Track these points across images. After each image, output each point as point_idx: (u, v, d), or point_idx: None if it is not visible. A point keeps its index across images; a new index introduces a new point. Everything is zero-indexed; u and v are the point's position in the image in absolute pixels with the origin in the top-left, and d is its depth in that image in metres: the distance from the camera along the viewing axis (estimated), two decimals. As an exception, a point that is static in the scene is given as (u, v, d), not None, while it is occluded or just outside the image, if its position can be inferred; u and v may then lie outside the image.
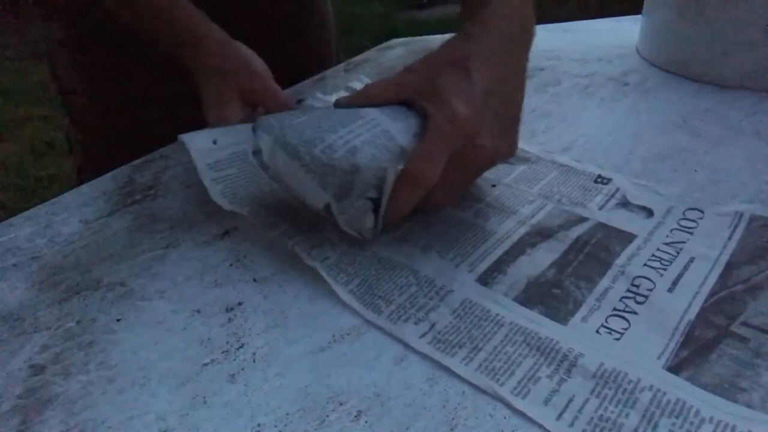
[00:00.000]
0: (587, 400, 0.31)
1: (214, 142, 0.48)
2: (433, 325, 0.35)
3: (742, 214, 0.43)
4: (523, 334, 0.34)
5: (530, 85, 0.67)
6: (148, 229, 0.46)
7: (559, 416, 0.30)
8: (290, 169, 0.39)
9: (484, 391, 0.32)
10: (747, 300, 0.36)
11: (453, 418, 0.30)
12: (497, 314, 0.36)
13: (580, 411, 0.30)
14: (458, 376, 0.33)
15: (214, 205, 0.48)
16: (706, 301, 0.36)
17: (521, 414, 0.30)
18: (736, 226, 0.42)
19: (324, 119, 0.41)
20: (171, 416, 0.31)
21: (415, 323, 0.36)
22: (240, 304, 0.38)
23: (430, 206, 0.42)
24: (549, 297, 0.37)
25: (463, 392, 0.32)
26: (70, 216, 0.48)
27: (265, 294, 0.39)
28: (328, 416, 0.31)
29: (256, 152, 0.41)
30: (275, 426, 0.31)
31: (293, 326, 0.37)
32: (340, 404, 0.32)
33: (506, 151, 0.42)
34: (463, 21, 0.45)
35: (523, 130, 0.53)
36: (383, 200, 0.39)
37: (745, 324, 0.34)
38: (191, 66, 0.53)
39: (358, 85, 0.61)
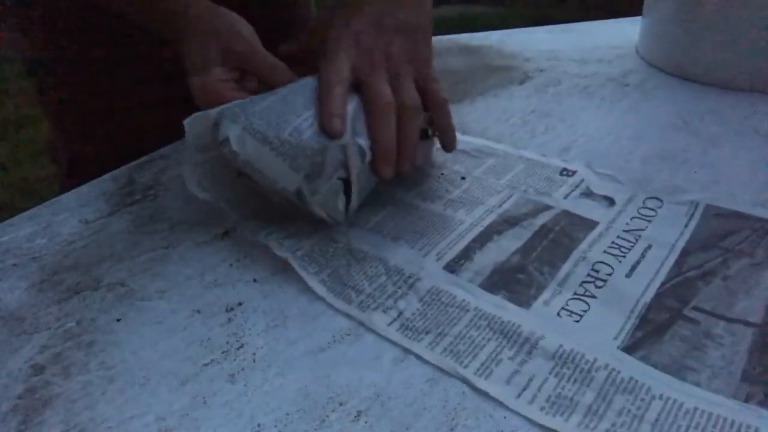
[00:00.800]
0: (546, 379, 0.32)
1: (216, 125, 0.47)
2: (401, 313, 0.37)
3: (698, 204, 0.44)
4: (487, 319, 0.36)
5: (530, 86, 0.67)
6: (148, 229, 0.46)
7: (519, 395, 0.31)
8: (261, 154, 0.40)
9: (482, 392, 0.32)
10: (699, 285, 0.37)
11: (453, 418, 0.30)
12: (463, 300, 0.37)
13: (539, 389, 0.31)
14: (459, 376, 0.33)
15: (213, 205, 0.48)
16: (661, 285, 0.37)
17: (522, 414, 0.31)
18: (692, 216, 0.43)
19: (285, 104, 0.42)
20: (171, 416, 0.31)
21: (384, 311, 0.37)
22: (240, 304, 0.38)
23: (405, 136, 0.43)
24: (513, 282, 0.38)
25: (463, 392, 0.32)
26: (70, 216, 0.48)
27: (265, 294, 0.39)
28: (328, 416, 0.31)
29: (224, 142, 0.41)
30: (275, 426, 0.31)
31: (293, 326, 0.37)
32: (340, 404, 0.32)
33: (408, 61, 0.45)
34: None
35: (523, 130, 0.53)
36: (352, 178, 0.40)
37: (696, 308, 0.36)
38: (178, 36, 0.50)
39: None
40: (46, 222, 0.48)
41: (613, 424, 0.29)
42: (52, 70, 0.65)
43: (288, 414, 0.31)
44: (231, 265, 0.42)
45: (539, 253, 0.41)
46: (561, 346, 0.34)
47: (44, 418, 0.32)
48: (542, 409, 0.30)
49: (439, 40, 0.83)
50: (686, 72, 0.66)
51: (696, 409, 0.30)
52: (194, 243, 0.44)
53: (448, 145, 0.48)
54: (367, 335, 0.36)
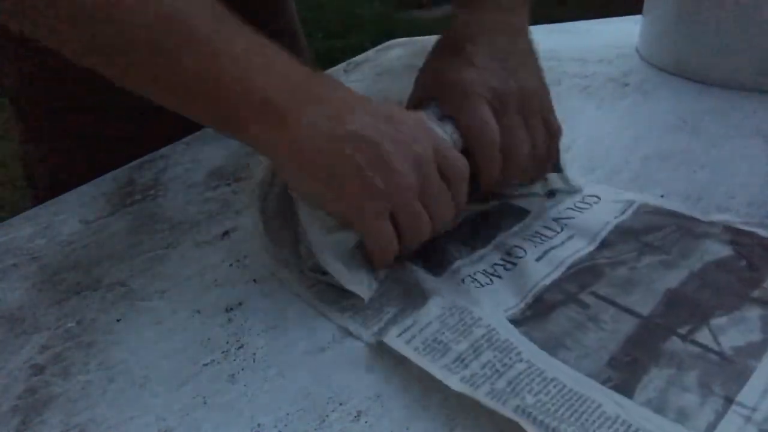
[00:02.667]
0: (429, 323, 0.34)
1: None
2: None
3: (633, 202, 0.45)
4: (400, 284, 0.39)
5: (530, 86, 0.67)
6: (148, 229, 0.46)
7: (400, 334, 0.34)
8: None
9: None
10: (605, 273, 0.38)
11: (453, 419, 0.30)
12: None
13: (420, 332, 0.34)
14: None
15: (214, 205, 0.48)
16: (567, 270, 0.39)
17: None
18: (624, 212, 0.44)
19: None
20: (171, 416, 0.31)
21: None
22: (240, 304, 0.38)
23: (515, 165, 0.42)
24: (431, 259, 0.40)
25: (464, 392, 0.32)
26: (70, 216, 0.48)
27: (265, 294, 0.39)
28: (328, 416, 0.31)
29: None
30: (275, 426, 0.31)
31: (293, 326, 0.37)
32: (340, 404, 0.32)
33: (534, 86, 0.43)
34: (455, 10, 0.48)
35: (523, 130, 0.53)
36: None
37: (592, 293, 0.37)
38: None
39: (357, 86, 0.61)
40: (46, 222, 0.48)
41: (474, 374, 0.31)
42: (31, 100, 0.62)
43: (288, 414, 0.31)
44: (231, 265, 0.42)
45: (462, 234, 0.42)
46: (455, 301, 0.36)
47: (44, 418, 0.32)
48: (416, 349, 0.33)
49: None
50: (686, 72, 0.66)
51: (554, 379, 0.31)
52: (194, 243, 0.44)
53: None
54: (367, 335, 0.36)
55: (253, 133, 0.36)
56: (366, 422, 0.31)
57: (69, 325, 0.38)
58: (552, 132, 0.44)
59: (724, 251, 0.39)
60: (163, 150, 0.57)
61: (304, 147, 0.35)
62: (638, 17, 0.75)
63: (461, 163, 0.38)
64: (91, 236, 0.46)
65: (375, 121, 0.36)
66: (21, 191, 2.09)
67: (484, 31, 0.44)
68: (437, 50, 0.46)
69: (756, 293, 0.35)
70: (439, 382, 0.31)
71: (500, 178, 0.42)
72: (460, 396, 0.32)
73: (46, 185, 0.64)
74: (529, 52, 0.45)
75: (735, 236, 0.40)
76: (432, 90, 0.42)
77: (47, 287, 0.41)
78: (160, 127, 0.55)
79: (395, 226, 0.37)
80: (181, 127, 0.55)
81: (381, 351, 0.35)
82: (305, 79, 0.37)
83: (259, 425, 0.31)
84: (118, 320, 0.38)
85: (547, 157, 0.45)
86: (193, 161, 0.54)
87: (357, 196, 0.36)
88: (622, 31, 0.80)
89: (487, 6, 0.46)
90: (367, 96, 0.38)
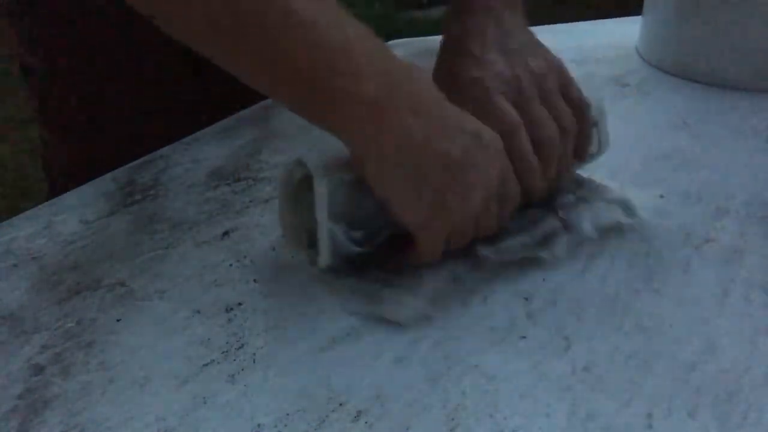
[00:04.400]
0: None
1: None
2: None
3: None
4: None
5: (530, 86, 0.67)
6: (148, 229, 0.46)
7: None
8: None
9: (482, 392, 0.32)
10: None
11: (453, 418, 0.30)
12: None
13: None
14: (458, 377, 0.33)
15: (214, 205, 0.48)
16: None
17: (521, 415, 0.31)
18: None
19: None
20: (171, 416, 0.31)
21: None
22: (240, 304, 0.38)
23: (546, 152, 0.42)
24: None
25: (463, 392, 0.32)
26: (70, 216, 0.48)
27: (265, 294, 0.39)
28: (328, 416, 0.31)
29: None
30: (275, 426, 0.31)
31: (293, 326, 0.37)
32: (340, 404, 0.32)
33: (543, 65, 0.44)
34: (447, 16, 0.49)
35: (523, 130, 0.52)
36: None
37: None
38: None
39: None
40: (46, 222, 0.48)
41: None
42: (55, 74, 0.64)
43: (288, 414, 0.31)
44: (231, 265, 0.42)
45: None
46: None
47: (44, 418, 0.32)
48: None
49: (439, 40, 0.82)
50: (686, 72, 0.66)
51: None
52: (194, 243, 0.44)
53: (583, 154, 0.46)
54: (367, 336, 0.36)
55: (348, 128, 0.36)
56: (366, 422, 0.31)
57: (69, 325, 0.37)
58: (575, 105, 0.44)
59: None
60: (163, 150, 0.57)
61: (397, 152, 0.36)
62: (638, 17, 0.75)
63: (514, 192, 0.40)
64: (91, 236, 0.46)
65: (463, 141, 0.37)
66: (21, 192, 2.09)
67: (484, 29, 0.45)
68: (444, 55, 0.47)
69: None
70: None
71: (541, 173, 0.41)
72: (460, 396, 0.32)
73: (64, 174, 0.65)
74: (530, 37, 0.46)
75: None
76: (449, 94, 0.41)
77: (47, 287, 0.41)
78: (182, 126, 0.58)
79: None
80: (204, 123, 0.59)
81: (381, 351, 0.35)
82: (406, 80, 0.37)
83: (259, 425, 0.31)
84: (118, 320, 0.38)
85: (578, 132, 0.44)
86: (193, 161, 0.54)
87: (430, 213, 0.37)
88: (622, 31, 0.80)
89: (486, 9, 0.46)
90: (451, 102, 0.38)
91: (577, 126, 0.43)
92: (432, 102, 0.38)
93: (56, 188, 0.61)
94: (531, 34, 0.46)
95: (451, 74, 0.44)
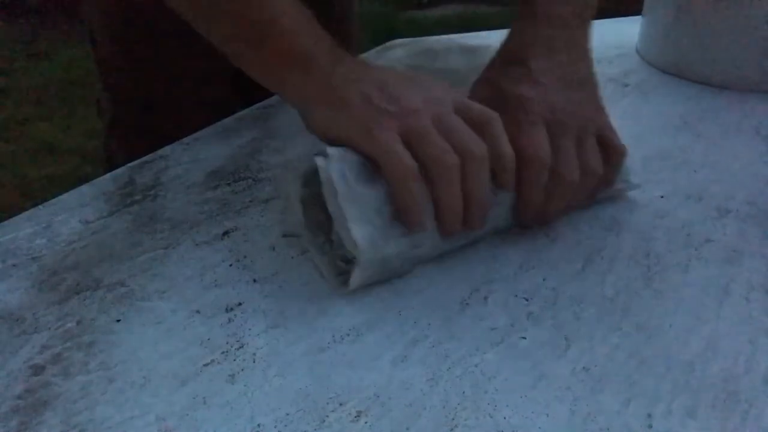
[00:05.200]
0: None
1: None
2: None
3: None
4: None
5: (530, 86, 0.67)
6: (148, 229, 0.46)
7: None
8: None
9: (482, 392, 0.32)
10: None
11: (453, 418, 0.30)
12: None
13: None
14: (458, 377, 0.33)
15: (214, 205, 0.48)
16: None
17: (521, 415, 0.31)
18: None
19: None
20: (171, 416, 0.31)
21: None
22: (240, 304, 0.38)
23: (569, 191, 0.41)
24: None
25: (463, 392, 0.32)
26: (70, 216, 0.48)
27: (265, 294, 0.39)
28: (328, 416, 0.31)
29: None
30: (275, 426, 0.31)
31: (293, 326, 0.37)
32: (340, 404, 0.32)
33: (592, 110, 0.43)
34: (515, 23, 0.47)
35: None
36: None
37: None
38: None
39: None
40: (46, 222, 0.48)
41: None
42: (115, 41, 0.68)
43: (288, 414, 0.31)
44: (231, 265, 0.42)
45: None
46: None
47: (44, 418, 0.32)
48: None
49: (439, 40, 0.82)
50: (686, 72, 0.66)
51: None
52: (194, 243, 0.44)
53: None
54: (367, 336, 0.36)
55: (289, 80, 0.41)
56: (366, 422, 0.31)
57: (69, 325, 0.37)
58: (611, 153, 0.43)
59: None
60: (163, 150, 0.57)
61: (333, 90, 0.39)
62: (638, 17, 0.75)
63: (489, 111, 0.39)
64: (91, 236, 0.46)
65: (397, 74, 0.41)
66: (21, 192, 2.09)
67: (546, 47, 0.43)
68: (497, 60, 0.45)
69: None
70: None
71: (542, 206, 0.41)
72: (460, 396, 0.32)
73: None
74: (589, 74, 0.45)
75: None
76: (490, 102, 0.41)
77: (47, 287, 0.41)
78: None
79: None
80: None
81: (381, 351, 0.35)
82: (340, 49, 0.41)
83: (259, 425, 0.31)
84: (118, 320, 0.38)
85: (600, 182, 0.43)
86: (193, 161, 0.54)
87: (364, 117, 0.37)
88: (622, 31, 0.80)
89: (552, 20, 0.44)
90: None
91: (602, 171, 0.42)
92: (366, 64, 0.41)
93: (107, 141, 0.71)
94: (590, 66, 0.46)
95: (495, 82, 0.43)
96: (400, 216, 0.37)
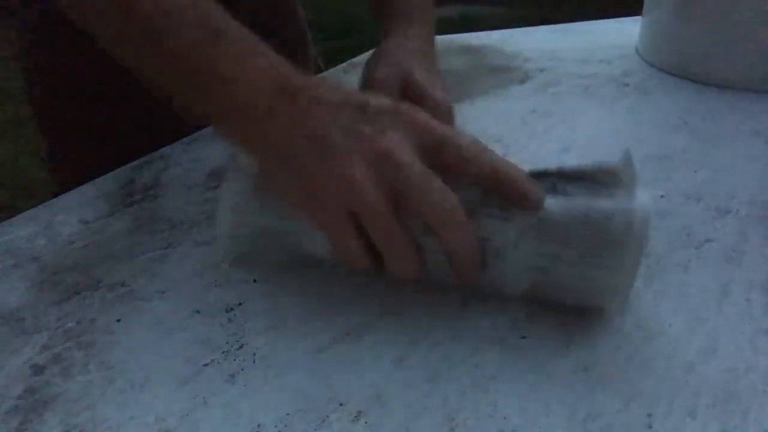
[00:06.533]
0: None
1: None
2: None
3: None
4: None
5: (530, 86, 0.67)
6: (148, 229, 0.46)
7: None
8: None
9: (482, 392, 0.32)
10: None
11: (453, 419, 0.30)
12: None
13: None
14: (458, 377, 0.33)
15: (214, 205, 0.48)
16: None
17: (521, 415, 0.31)
18: None
19: None
20: (171, 416, 0.31)
21: None
22: (240, 304, 0.38)
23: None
24: None
25: (463, 392, 0.32)
26: (70, 216, 0.48)
27: (265, 294, 0.39)
28: (328, 416, 0.31)
29: None
30: (275, 426, 0.31)
31: (293, 326, 0.37)
32: (340, 405, 0.32)
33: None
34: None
35: (523, 130, 0.53)
36: None
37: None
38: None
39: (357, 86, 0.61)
40: (46, 222, 0.48)
41: None
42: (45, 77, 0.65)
43: (288, 414, 0.31)
44: (231, 265, 0.42)
45: None
46: None
47: (44, 418, 0.32)
48: None
49: (439, 40, 0.82)
50: (686, 72, 0.66)
51: None
52: (194, 243, 0.44)
53: None
54: (367, 336, 0.36)
55: (234, 127, 0.36)
56: (366, 422, 0.31)
57: (69, 325, 0.37)
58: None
59: None
60: (163, 150, 0.57)
61: (277, 146, 0.34)
62: (638, 17, 0.75)
63: (478, 146, 0.33)
64: (91, 236, 0.46)
65: (342, 118, 0.33)
66: (21, 192, 2.09)
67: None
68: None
69: None
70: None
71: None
72: (460, 396, 0.32)
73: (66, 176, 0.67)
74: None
75: None
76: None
77: (47, 287, 0.41)
78: (168, 126, 0.57)
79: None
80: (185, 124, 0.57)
81: (381, 351, 0.35)
82: (287, 81, 0.35)
83: (259, 425, 0.31)
84: (118, 320, 0.38)
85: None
86: (193, 161, 0.54)
87: (312, 197, 0.33)
88: (622, 31, 0.80)
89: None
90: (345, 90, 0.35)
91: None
92: (312, 97, 0.34)
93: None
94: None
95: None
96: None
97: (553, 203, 0.33)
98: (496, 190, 0.33)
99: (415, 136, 0.33)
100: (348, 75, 0.74)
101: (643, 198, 0.32)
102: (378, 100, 0.34)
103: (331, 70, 0.76)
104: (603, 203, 0.32)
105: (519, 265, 0.34)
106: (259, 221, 0.38)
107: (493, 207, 0.33)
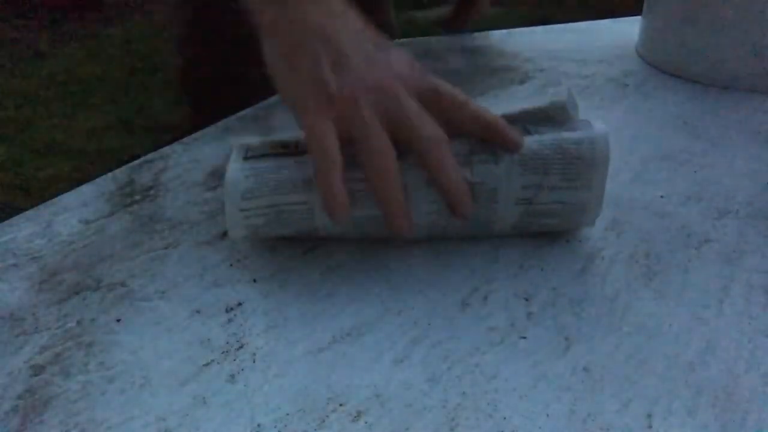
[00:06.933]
0: None
1: None
2: None
3: None
4: None
5: (530, 86, 0.67)
6: (148, 229, 0.46)
7: None
8: None
9: (482, 392, 0.32)
10: None
11: (453, 419, 0.30)
12: None
13: None
14: (458, 377, 0.33)
15: (214, 205, 0.48)
16: None
17: (521, 415, 0.31)
18: None
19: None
20: (171, 416, 0.31)
21: None
22: (240, 304, 0.38)
23: None
24: None
25: (463, 392, 0.32)
26: (70, 216, 0.48)
27: (265, 294, 0.39)
28: (328, 417, 0.31)
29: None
30: (275, 426, 0.31)
31: (293, 326, 0.37)
32: (340, 405, 0.32)
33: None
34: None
35: (523, 130, 0.52)
36: None
37: None
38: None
39: None
40: (46, 222, 0.48)
41: None
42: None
43: (288, 414, 0.31)
44: (231, 265, 0.42)
45: None
46: None
47: (44, 418, 0.32)
48: None
49: (439, 40, 0.83)
50: (686, 72, 0.66)
51: None
52: (194, 243, 0.44)
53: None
54: (367, 335, 0.36)
55: (264, 16, 0.41)
56: (366, 422, 0.31)
57: (69, 325, 0.37)
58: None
59: None
60: (163, 150, 0.57)
61: (291, 36, 0.39)
62: (638, 18, 0.75)
63: (459, 96, 0.38)
64: (91, 236, 0.46)
65: (360, 41, 0.39)
66: (21, 192, 2.09)
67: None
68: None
69: None
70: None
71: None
72: (460, 396, 0.32)
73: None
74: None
75: None
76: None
77: (47, 287, 0.41)
78: None
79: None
80: None
81: (381, 351, 0.35)
82: None
83: (259, 425, 0.31)
84: (118, 320, 0.38)
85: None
86: (193, 161, 0.54)
87: (306, 91, 0.37)
88: (622, 31, 0.80)
89: None
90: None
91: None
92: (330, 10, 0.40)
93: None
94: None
95: None
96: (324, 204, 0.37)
97: (530, 141, 0.38)
98: (483, 134, 0.38)
99: (415, 77, 0.38)
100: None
101: (598, 125, 0.39)
102: (389, 44, 0.40)
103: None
104: (570, 134, 0.38)
105: (508, 200, 0.39)
106: (272, 195, 0.39)
107: (481, 153, 0.38)
